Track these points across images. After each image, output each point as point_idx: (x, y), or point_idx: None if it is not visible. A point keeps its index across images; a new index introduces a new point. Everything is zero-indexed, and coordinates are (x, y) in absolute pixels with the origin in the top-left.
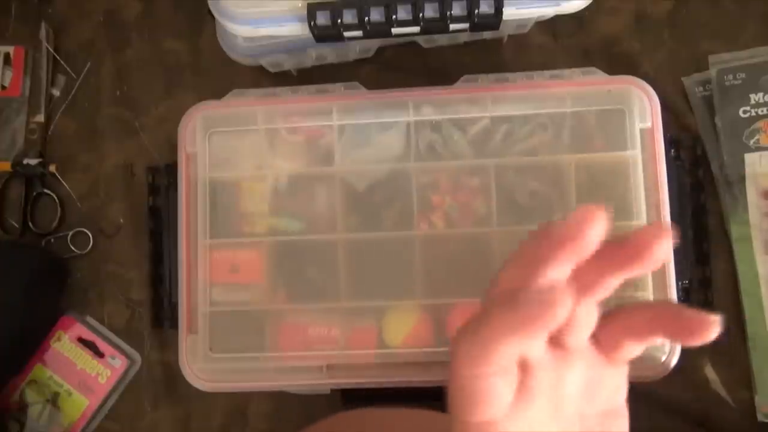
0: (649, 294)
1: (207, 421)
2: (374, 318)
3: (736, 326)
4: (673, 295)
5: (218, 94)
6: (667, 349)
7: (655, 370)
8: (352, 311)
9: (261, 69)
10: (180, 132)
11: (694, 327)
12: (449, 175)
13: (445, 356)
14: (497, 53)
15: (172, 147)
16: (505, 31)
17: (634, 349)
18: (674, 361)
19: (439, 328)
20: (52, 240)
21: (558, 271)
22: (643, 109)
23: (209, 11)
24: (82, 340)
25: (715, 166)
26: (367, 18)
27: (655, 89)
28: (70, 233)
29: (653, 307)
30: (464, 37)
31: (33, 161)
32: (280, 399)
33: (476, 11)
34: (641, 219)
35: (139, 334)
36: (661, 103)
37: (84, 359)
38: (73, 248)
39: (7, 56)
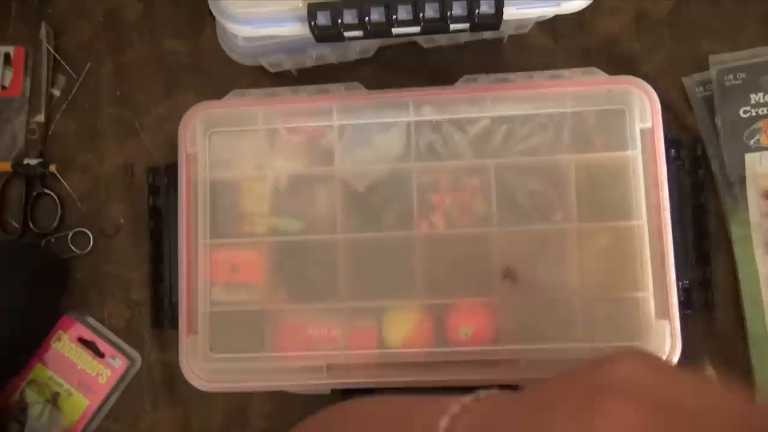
0: (649, 294)
1: (207, 421)
2: (374, 318)
3: (736, 326)
4: (673, 295)
5: (218, 94)
6: (667, 349)
7: None
8: (352, 311)
9: (261, 69)
10: (180, 132)
11: None
12: (449, 175)
13: (445, 356)
14: (497, 53)
15: (172, 147)
16: (505, 31)
17: None
18: (674, 361)
19: (439, 328)
20: (52, 240)
21: None
22: (643, 109)
23: (209, 11)
24: (82, 340)
25: (715, 166)
26: (367, 18)
27: (655, 89)
28: (70, 233)
29: None
30: (464, 37)
31: (33, 161)
32: (280, 399)
33: (476, 11)
34: (641, 219)
35: (139, 334)
36: (661, 103)
37: (84, 359)
38: (73, 248)
39: (7, 56)
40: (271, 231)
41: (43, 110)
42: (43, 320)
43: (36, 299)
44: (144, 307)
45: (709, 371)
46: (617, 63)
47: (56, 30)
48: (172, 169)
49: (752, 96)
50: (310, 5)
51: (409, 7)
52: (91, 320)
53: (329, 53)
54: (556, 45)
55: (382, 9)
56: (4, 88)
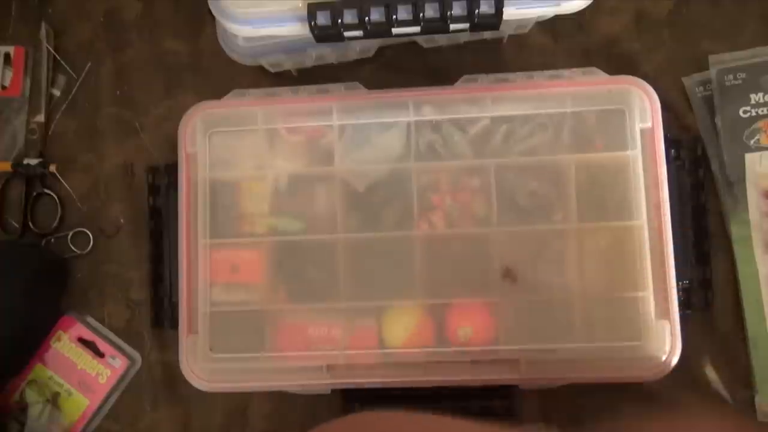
0: (649, 294)
1: (207, 421)
2: (374, 318)
3: (736, 326)
4: (673, 295)
5: (218, 94)
6: (667, 349)
7: (655, 370)
8: (352, 311)
9: (261, 69)
10: (180, 132)
11: None
12: (449, 175)
13: (445, 356)
14: (497, 53)
15: (172, 147)
16: (505, 31)
17: None
18: (674, 361)
19: (439, 328)
20: (52, 240)
21: None
22: (643, 109)
23: (209, 11)
24: (82, 340)
25: (715, 166)
26: (367, 18)
27: (655, 89)
28: (70, 233)
29: None
30: (464, 37)
31: (33, 161)
32: (280, 399)
33: (476, 11)
34: (641, 219)
35: (139, 334)
36: (661, 103)
37: (84, 359)
38: (73, 248)
39: (7, 56)
40: (271, 231)
41: (43, 110)
42: (43, 320)
43: (36, 299)
44: (144, 307)
45: (709, 371)
46: (617, 63)
47: (56, 30)
48: (172, 169)
49: (752, 96)
50: (310, 5)
51: (409, 7)
52: (91, 320)
53: (329, 53)
54: (556, 45)
55: (382, 9)
56: (4, 88)
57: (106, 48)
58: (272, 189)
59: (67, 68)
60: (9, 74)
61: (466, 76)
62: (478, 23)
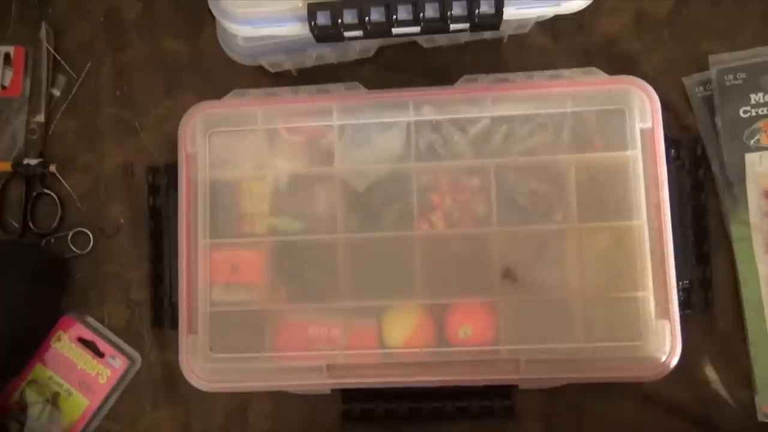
0: (649, 294)
1: (207, 421)
2: (374, 318)
3: (736, 326)
4: (673, 295)
5: (218, 94)
6: (667, 349)
7: (655, 370)
8: (352, 311)
9: (261, 69)
10: (180, 132)
11: None
12: (449, 175)
13: (445, 356)
14: (497, 53)
15: (172, 147)
16: (505, 31)
17: None
18: (674, 361)
19: (439, 328)
20: (52, 240)
21: None
22: (643, 109)
23: (209, 11)
24: (82, 340)
25: (715, 166)
26: (367, 18)
27: (655, 89)
28: (70, 233)
29: None
30: (464, 37)
31: (33, 161)
32: (280, 399)
33: (476, 11)
34: (641, 219)
35: (139, 334)
36: (661, 103)
37: (84, 359)
38: (73, 248)
39: (7, 56)
40: (271, 231)
41: (43, 110)
42: (43, 320)
43: (36, 299)
44: (144, 307)
45: (709, 371)
46: (617, 63)
47: (56, 30)
48: (172, 169)
49: (752, 96)
50: (310, 5)
51: (409, 7)
52: (91, 320)
53: (329, 53)
54: (556, 45)
55: (382, 9)
56: (4, 88)
57: (106, 48)
58: (272, 189)
59: (67, 68)
60: (9, 74)
61: (466, 76)
62: (478, 23)
